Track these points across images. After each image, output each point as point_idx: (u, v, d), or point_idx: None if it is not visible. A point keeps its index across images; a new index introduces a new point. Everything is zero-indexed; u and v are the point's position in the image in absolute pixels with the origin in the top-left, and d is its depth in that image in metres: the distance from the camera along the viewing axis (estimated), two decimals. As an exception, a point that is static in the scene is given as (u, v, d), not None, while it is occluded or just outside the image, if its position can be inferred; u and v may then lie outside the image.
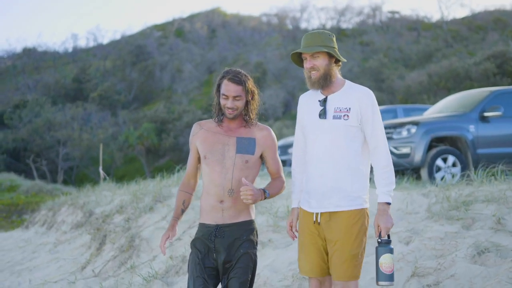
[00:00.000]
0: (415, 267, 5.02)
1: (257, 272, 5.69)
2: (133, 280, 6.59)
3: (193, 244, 3.90)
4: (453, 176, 9.55)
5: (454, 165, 9.76)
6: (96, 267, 7.47)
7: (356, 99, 3.66)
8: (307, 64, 3.74)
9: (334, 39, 3.79)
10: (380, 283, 3.56)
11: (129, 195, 9.39)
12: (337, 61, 3.77)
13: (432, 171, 9.67)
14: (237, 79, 3.78)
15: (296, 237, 3.93)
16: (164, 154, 44.96)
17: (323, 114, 3.69)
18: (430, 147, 9.91)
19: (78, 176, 43.84)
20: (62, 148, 42.82)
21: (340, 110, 3.66)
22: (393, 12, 71.57)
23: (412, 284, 4.89)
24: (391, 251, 3.57)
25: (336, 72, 3.76)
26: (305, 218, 3.79)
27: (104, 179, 13.46)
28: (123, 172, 41.39)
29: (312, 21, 75.67)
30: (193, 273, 3.81)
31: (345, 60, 3.83)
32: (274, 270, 5.68)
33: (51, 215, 11.99)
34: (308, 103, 3.84)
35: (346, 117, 3.64)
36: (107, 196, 10.54)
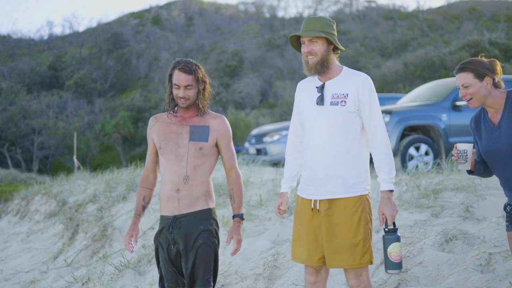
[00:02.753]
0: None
1: (228, 261, 5.72)
2: (105, 270, 6.57)
3: (156, 238, 3.93)
4: (425, 165, 9.64)
5: (426, 153, 9.85)
6: (68, 257, 7.45)
7: (354, 85, 3.64)
8: (304, 49, 3.70)
9: (335, 26, 3.76)
10: (390, 271, 3.60)
11: (103, 184, 9.36)
12: (335, 48, 3.74)
13: (405, 159, 9.75)
14: (188, 69, 3.81)
15: (284, 217, 3.98)
16: (141, 142, 44.72)
17: (320, 101, 3.67)
18: (403, 136, 9.98)
19: (54, 165, 43.48)
20: (37, 136, 42.42)
21: (338, 96, 3.64)
22: (369, 1, 71.77)
23: (382, 272, 4.95)
24: (398, 239, 3.58)
25: (334, 59, 3.73)
26: (303, 205, 3.75)
27: (78, 168, 13.37)
28: (99, 160, 41.15)
29: (290, 10, 75.85)
30: (163, 268, 3.87)
31: (343, 49, 3.81)
32: (246, 258, 5.71)
33: (24, 204, 11.89)
34: (305, 89, 3.82)
35: (343, 103, 3.61)
36: (80, 185, 10.49)
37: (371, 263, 3.67)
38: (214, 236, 3.87)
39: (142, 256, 6.53)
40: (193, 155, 3.82)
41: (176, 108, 3.95)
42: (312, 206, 3.68)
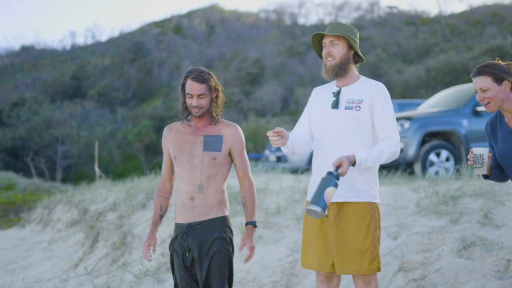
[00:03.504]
0: (402, 262, 5.06)
1: (246, 268, 5.73)
2: (124, 277, 6.62)
3: (171, 245, 3.95)
4: (446, 171, 9.58)
5: (447, 159, 9.79)
6: (88, 265, 7.51)
7: (369, 92, 3.67)
8: (325, 50, 3.74)
9: (358, 35, 3.80)
10: (314, 207, 3.36)
11: (123, 192, 9.42)
12: (356, 57, 3.78)
13: (426, 166, 9.70)
14: (200, 78, 3.84)
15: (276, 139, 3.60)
16: (163, 151, 44.99)
17: (335, 105, 3.69)
18: (423, 142, 9.93)
19: (77, 174, 43.83)
20: (61, 146, 42.83)
21: (353, 101, 3.66)
22: (391, 7, 71.68)
23: (399, 279, 4.93)
24: (337, 186, 3.43)
25: (353, 66, 3.77)
26: None
27: (100, 176, 13.48)
28: (122, 169, 41.41)
29: (310, 17, 75.97)
30: (178, 275, 3.90)
31: (364, 58, 3.82)
32: (264, 266, 5.71)
33: (47, 213, 12.02)
34: (321, 94, 3.85)
35: (358, 108, 3.64)
36: (102, 194, 10.58)
37: (379, 270, 3.66)
38: (228, 244, 3.88)
39: (161, 264, 6.56)
40: (207, 165, 3.85)
41: (189, 117, 3.98)
42: None
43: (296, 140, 3.79)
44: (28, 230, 11.94)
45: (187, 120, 3.99)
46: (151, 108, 47.76)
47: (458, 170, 7.94)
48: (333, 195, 3.43)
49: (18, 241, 11.32)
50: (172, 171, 4.04)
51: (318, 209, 3.37)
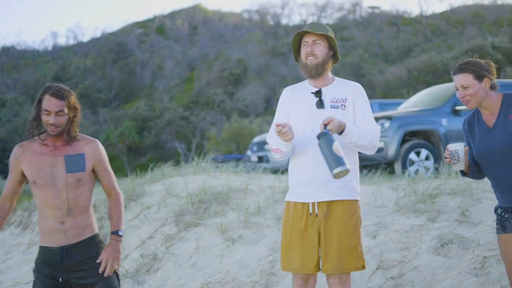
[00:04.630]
0: (380, 260, 5.09)
1: (225, 268, 5.73)
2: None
3: (38, 269, 3.73)
4: (426, 170, 9.65)
5: (427, 158, 9.86)
6: (69, 266, 7.46)
7: (350, 91, 3.74)
8: (307, 49, 3.74)
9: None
10: (341, 168, 3.36)
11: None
12: (333, 57, 3.81)
13: (406, 164, 9.77)
14: (60, 94, 3.65)
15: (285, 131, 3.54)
16: (146, 152, 44.83)
17: (320, 104, 3.70)
18: (403, 141, 10.00)
19: (59, 175, 43.51)
20: (43, 147, 42.48)
21: (337, 100, 3.71)
22: (373, 8, 71.86)
23: (377, 277, 4.96)
24: (334, 140, 3.44)
25: (330, 66, 3.80)
26: (295, 211, 3.72)
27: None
28: (105, 170, 41.15)
29: (293, 17, 76.05)
30: None
31: (339, 58, 3.86)
32: (243, 266, 5.72)
33: (26, 216, 11.92)
34: (297, 95, 3.83)
35: (343, 107, 3.69)
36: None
37: (364, 267, 3.71)
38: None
39: (141, 265, 6.55)
40: (73, 187, 3.67)
41: (45, 135, 3.73)
42: (311, 211, 3.66)
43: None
44: (7, 233, 11.83)
45: (40, 139, 3.74)
46: (134, 109, 47.56)
47: (437, 169, 8.00)
48: (339, 146, 3.44)
49: (-3, 244, 11.23)
50: (16, 191, 3.78)
51: (343, 167, 3.37)
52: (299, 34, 3.81)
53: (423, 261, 4.86)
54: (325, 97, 3.72)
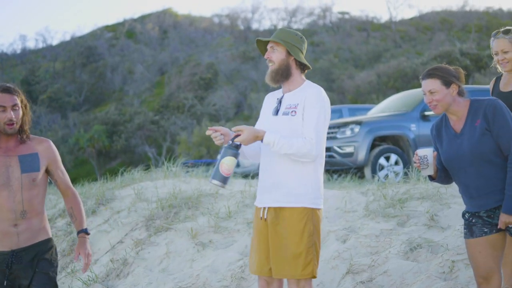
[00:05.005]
0: (350, 264, 5.12)
1: (196, 273, 5.71)
2: (73, 284, 6.52)
3: None
4: (395, 175, 9.74)
5: (396, 163, 9.95)
6: (37, 272, 7.38)
7: (304, 96, 3.66)
8: (265, 55, 3.77)
9: (303, 43, 3.77)
10: (214, 181, 3.46)
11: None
12: (301, 64, 3.75)
13: (375, 169, 9.85)
14: (11, 89, 3.60)
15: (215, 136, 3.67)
16: (116, 156, 44.57)
17: (275, 111, 3.73)
18: (373, 146, 10.08)
19: (27, 180, 43.01)
20: (11, 151, 41.99)
21: (290, 106, 3.67)
22: (343, 13, 72.39)
23: (347, 281, 4.99)
24: (236, 155, 3.47)
25: (297, 72, 3.75)
26: (256, 215, 3.79)
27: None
28: (74, 175, 40.79)
29: (264, 22, 76.35)
30: None
31: (307, 64, 3.78)
32: (214, 270, 5.71)
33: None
34: (269, 101, 3.89)
35: (293, 113, 3.64)
36: (51, 200, 10.39)
37: (314, 276, 3.64)
38: (52, 265, 3.76)
39: (110, 270, 6.50)
40: (28, 188, 3.59)
41: None
42: (261, 215, 3.70)
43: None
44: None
45: None
46: (104, 113, 47.28)
47: (406, 174, 8.08)
48: (232, 164, 3.46)
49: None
50: None
51: (215, 182, 3.45)
52: (261, 42, 3.83)
53: (393, 265, 4.91)
54: (284, 104, 3.73)
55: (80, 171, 42.54)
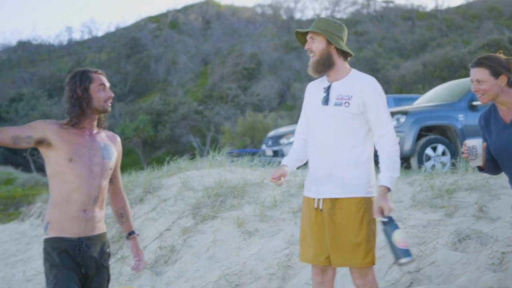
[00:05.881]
0: (397, 255, 5.09)
1: (243, 261, 5.77)
2: (122, 270, 6.66)
3: (58, 259, 3.45)
4: (442, 165, 9.62)
5: (443, 154, 9.83)
6: (86, 259, 7.54)
7: (359, 87, 3.61)
8: (305, 45, 3.74)
9: (343, 30, 3.73)
10: (402, 260, 3.48)
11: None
12: (343, 52, 3.71)
13: (422, 160, 9.74)
14: (103, 72, 3.69)
15: (280, 183, 3.71)
16: (161, 146, 45.05)
17: (325, 101, 3.66)
18: (419, 136, 9.97)
19: (74, 169, 43.73)
20: (59, 141, 42.75)
21: (342, 97, 3.62)
22: (387, 2, 71.55)
23: (394, 271, 4.97)
24: (398, 227, 3.51)
25: (339, 60, 3.70)
26: (307, 205, 3.76)
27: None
28: (121, 164, 41.37)
29: (307, 12, 75.87)
30: None
31: (349, 51, 3.75)
32: (260, 258, 5.76)
33: (46, 207, 12.06)
34: (314, 90, 3.83)
35: (347, 105, 3.60)
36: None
37: (374, 263, 3.66)
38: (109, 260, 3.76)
39: (159, 257, 6.61)
40: (105, 176, 3.59)
41: (80, 118, 3.56)
42: (316, 205, 3.69)
43: (297, 154, 3.86)
44: (28, 224, 11.99)
45: (73, 123, 3.55)
46: (148, 103, 47.79)
47: (454, 164, 7.99)
48: (403, 234, 3.51)
49: (18, 235, 11.37)
50: (18, 138, 3.41)
51: (404, 260, 3.48)
52: (297, 34, 3.81)
53: (441, 256, 4.87)
54: (333, 93, 3.67)
55: (126, 161, 43.10)
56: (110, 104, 3.61)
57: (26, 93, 50.08)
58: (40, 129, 3.43)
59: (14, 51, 69.14)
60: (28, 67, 64.11)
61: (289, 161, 3.84)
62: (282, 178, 3.69)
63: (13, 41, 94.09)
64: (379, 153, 3.66)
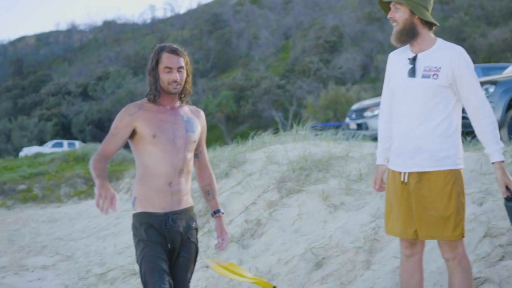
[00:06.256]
0: (488, 228, 4.98)
1: (329, 234, 5.78)
2: (210, 243, 6.81)
3: (145, 234, 3.53)
4: (534, 136, 9.30)
5: (535, 124, 9.48)
6: (175, 232, 7.75)
7: (448, 58, 3.51)
8: (388, 14, 3.66)
9: None
10: None
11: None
12: (422, 22, 3.60)
13: (512, 131, 9.44)
14: (178, 51, 3.63)
15: (383, 190, 3.85)
16: (243, 121, 45.47)
17: (412, 73, 3.57)
18: (509, 106, 9.65)
19: (161, 144, 44.80)
20: (144, 117, 43.85)
21: (430, 69, 3.53)
22: (474, -32, 68.96)
23: (485, 245, 4.86)
24: None
25: (423, 30, 3.60)
26: (393, 178, 3.71)
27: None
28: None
29: (390, -19, 73.80)
30: (154, 265, 3.46)
31: (434, 21, 3.64)
32: (346, 232, 5.75)
33: (133, 182, 12.44)
34: (397, 60, 3.74)
35: (435, 76, 3.50)
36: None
37: (463, 236, 3.59)
38: (196, 236, 3.75)
39: (245, 230, 6.71)
40: (189, 148, 3.63)
41: (158, 95, 3.64)
42: (402, 179, 3.63)
43: (386, 142, 3.85)
44: (117, 199, 12.41)
45: (153, 100, 3.64)
46: (231, 78, 48.25)
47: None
48: None
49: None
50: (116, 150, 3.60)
51: None
52: (381, 3, 3.73)
53: (535, 229, 4.72)
54: (419, 65, 3.57)
55: (210, 136, 43.50)
56: (175, 87, 3.59)
57: (112, 71, 51.57)
58: (127, 126, 3.55)
59: (100, 30, 71.19)
60: (113, 46, 65.87)
61: (383, 157, 3.87)
62: (383, 185, 3.86)
63: (98, 21, 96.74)
64: (476, 127, 3.56)
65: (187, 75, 3.67)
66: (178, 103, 3.70)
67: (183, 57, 3.63)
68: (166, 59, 3.58)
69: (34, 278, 7.86)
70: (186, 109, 3.73)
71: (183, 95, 3.70)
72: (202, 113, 3.84)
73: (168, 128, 3.57)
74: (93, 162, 3.47)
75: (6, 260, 9.08)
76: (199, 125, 3.74)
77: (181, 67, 3.60)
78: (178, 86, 3.59)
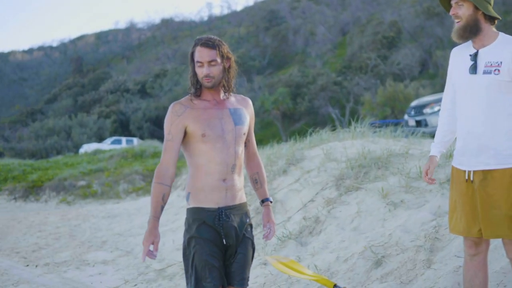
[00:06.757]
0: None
1: (389, 232, 5.72)
2: (268, 241, 6.82)
3: (197, 232, 3.48)
4: None
5: None
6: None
7: (509, 51, 3.44)
8: (451, 11, 3.60)
9: None
10: None
11: (264, 159, 9.65)
12: (486, 17, 3.54)
13: None
14: (210, 43, 3.47)
15: (433, 183, 3.84)
16: (300, 118, 45.36)
17: (473, 69, 3.52)
18: None
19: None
20: (201, 114, 44.31)
21: (491, 64, 3.47)
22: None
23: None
24: None
25: (486, 25, 3.54)
26: (457, 176, 3.67)
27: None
28: (260, 137, 42.19)
29: (449, -25, 72.38)
30: (206, 264, 3.43)
31: (497, 16, 3.58)
32: (406, 230, 5.68)
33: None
34: (459, 57, 3.69)
35: (496, 72, 3.44)
36: (243, 160, 10.88)
37: None
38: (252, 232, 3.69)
39: (304, 227, 6.71)
40: (239, 142, 3.55)
41: (199, 90, 3.56)
42: (466, 177, 3.58)
43: (442, 136, 3.82)
44: (175, 195, 12.54)
45: (196, 95, 3.56)
46: (287, 75, 48.19)
47: None
48: None
49: (167, 206, 11.92)
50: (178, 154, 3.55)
51: None
52: (440, 0, 3.67)
53: None
54: (481, 61, 3.51)
55: (266, 133, 43.91)
56: (208, 81, 3.47)
57: (169, 69, 52.25)
58: (178, 127, 3.49)
59: (158, 28, 72.26)
60: (171, 43, 66.73)
61: (437, 149, 3.85)
62: (434, 180, 3.84)
63: (156, 19, 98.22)
64: None
65: (230, 66, 3.55)
66: (223, 95, 3.59)
67: (217, 49, 3.48)
68: (198, 52, 3.48)
69: (94, 273, 8.03)
70: (233, 100, 3.63)
71: (225, 89, 3.58)
72: (249, 101, 3.75)
73: (216, 125, 3.49)
74: (154, 186, 3.47)
75: (68, 254, 9.31)
76: (248, 115, 3.65)
77: (213, 60, 3.46)
78: (211, 79, 3.47)
